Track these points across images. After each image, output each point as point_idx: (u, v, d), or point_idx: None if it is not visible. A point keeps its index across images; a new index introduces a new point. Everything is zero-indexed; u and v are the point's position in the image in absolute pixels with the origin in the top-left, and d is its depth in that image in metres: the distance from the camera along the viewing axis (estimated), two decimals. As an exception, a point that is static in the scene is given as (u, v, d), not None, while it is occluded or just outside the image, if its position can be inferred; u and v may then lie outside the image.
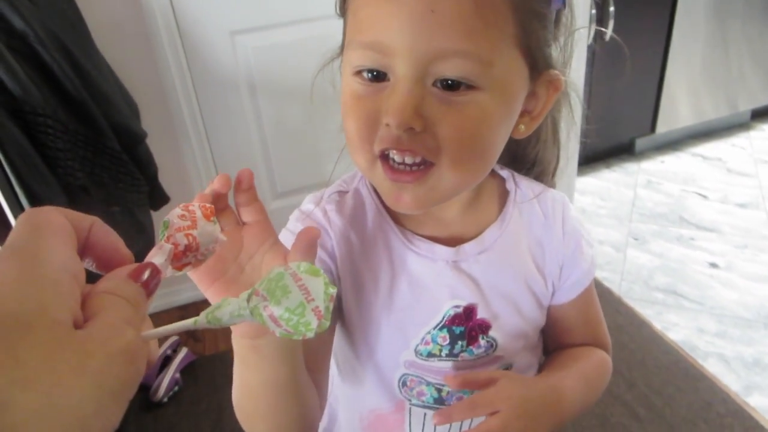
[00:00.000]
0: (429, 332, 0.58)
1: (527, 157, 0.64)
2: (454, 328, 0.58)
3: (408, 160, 0.47)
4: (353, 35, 0.48)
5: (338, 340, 0.62)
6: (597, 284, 1.74)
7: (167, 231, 0.34)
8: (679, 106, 2.44)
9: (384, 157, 0.48)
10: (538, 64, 0.49)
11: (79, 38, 1.17)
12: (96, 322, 0.25)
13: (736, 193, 2.23)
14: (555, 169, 0.65)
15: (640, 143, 2.56)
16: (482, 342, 0.59)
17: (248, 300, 0.31)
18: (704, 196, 2.23)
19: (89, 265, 0.30)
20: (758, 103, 2.61)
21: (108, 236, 0.31)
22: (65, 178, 1.05)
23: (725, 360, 1.52)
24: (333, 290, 0.32)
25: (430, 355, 0.59)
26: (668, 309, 1.71)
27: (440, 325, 0.58)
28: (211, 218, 0.37)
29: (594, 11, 2.00)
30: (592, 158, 2.50)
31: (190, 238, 0.34)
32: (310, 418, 0.54)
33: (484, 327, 0.59)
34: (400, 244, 0.58)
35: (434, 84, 0.45)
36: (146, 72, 1.47)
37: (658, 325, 1.62)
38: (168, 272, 0.34)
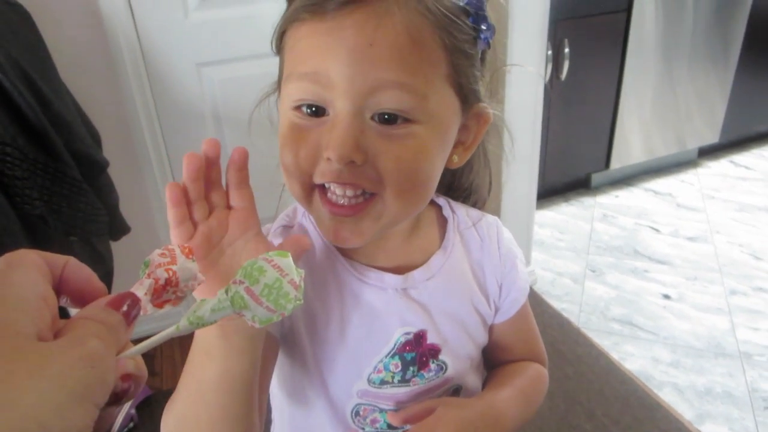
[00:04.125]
0: (381, 360, 0.59)
1: (462, 186, 0.67)
2: (405, 354, 0.59)
3: (349, 193, 0.48)
4: (292, 68, 0.49)
5: (290, 373, 0.61)
6: (557, 316, 1.78)
7: (148, 269, 0.36)
8: (631, 144, 2.56)
9: (322, 188, 0.49)
10: (469, 99, 0.52)
11: (40, 66, 1.16)
12: (62, 337, 0.27)
13: (686, 227, 2.33)
14: (488, 193, 0.68)
15: (596, 178, 2.66)
16: (433, 366, 0.60)
17: (227, 291, 0.33)
18: (656, 230, 2.32)
19: (65, 302, 0.32)
20: (704, 141, 2.76)
21: (81, 271, 0.32)
22: (22, 207, 1.02)
23: (679, 389, 1.57)
24: (302, 271, 0.35)
25: (382, 382, 0.59)
26: (625, 339, 1.76)
27: (392, 353, 0.59)
28: (190, 256, 0.38)
29: (550, 52, 2.10)
30: (550, 192, 2.58)
31: (170, 272, 0.35)
32: None
33: (434, 351, 0.60)
34: (349, 276, 0.58)
35: (372, 118, 0.46)
36: (110, 101, 1.46)
37: (615, 355, 1.66)
38: (149, 309, 0.35)
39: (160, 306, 0.36)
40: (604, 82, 2.38)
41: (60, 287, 0.31)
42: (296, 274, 0.35)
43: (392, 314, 0.58)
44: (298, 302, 0.34)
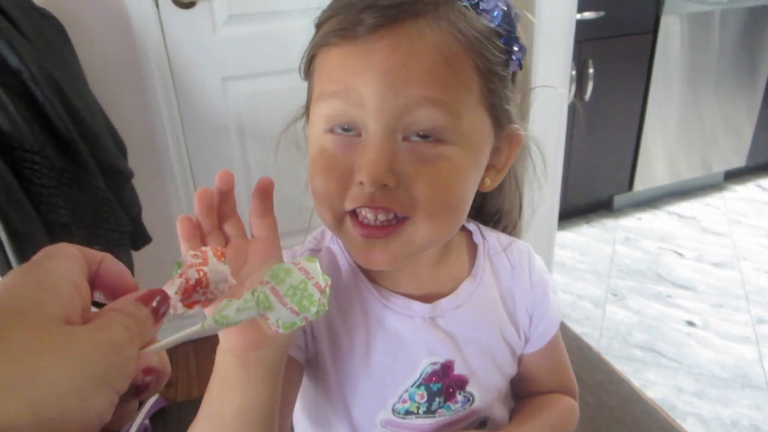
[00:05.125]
0: (406, 390, 0.57)
1: (492, 210, 0.65)
2: (431, 385, 0.57)
3: (381, 217, 0.47)
4: (322, 88, 0.48)
5: (314, 398, 0.61)
6: (576, 340, 1.75)
7: (180, 269, 0.36)
8: (655, 166, 2.52)
9: (353, 213, 0.48)
10: (501, 120, 0.51)
11: (72, 77, 1.19)
12: (90, 322, 0.28)
13: (711, 253, 2.28)
14: (519, 216, 0.67)
15: (618, 200, 2.62)
16: (459, 397, 0.59)
17: (253, 292, 0.34)
18: (680, 254, 2.28)
19: (100, 297, 0.33)
20: (731, 165, 2.71)
21: (116, 267, 0.33)
22: (48, 215, 1.04)
23: (703, 421, 1.52)
24: (328, 277, 0.35)
25: (407, 413, 0.58)
26: (647, 366, 1.71)
27: (418, 383, 0.57)
28: (222, 259, 0.38)
29: (574, 73, 2.09)
30: (572, 213, 2.55)
31: (201, 273, 0.36)
32: None
33: (461, 382, 0.58)
34: (375, 302, 0.57)
35: (405, 139, 0.46)
36: (136, 112, 1.48)
37: (636, 382, 1.62)
38: (179, 308, 0.35)
39: (190, 306, 0.36)
40: (629, 104, 2.36)
41: (95, 281, 0.32)
42: (322, 279, 0.35)
43: (419, 343, 0.57)
44: (322, 307, 0.34)
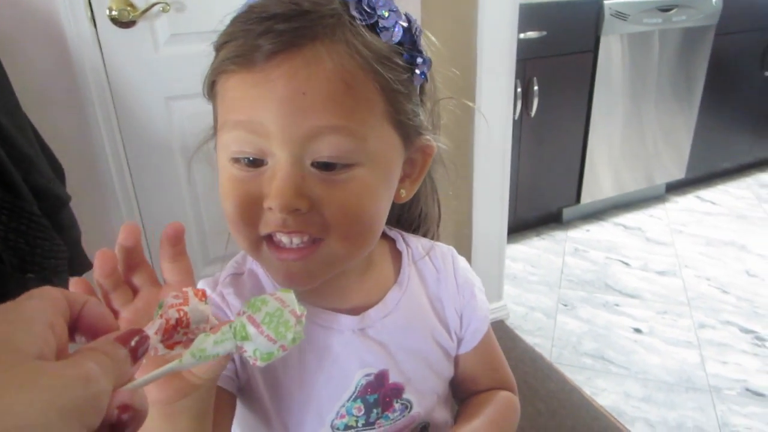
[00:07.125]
0: (343, 405, 0.57)
1: (412, 217, 0.67)
2: (367, 396, 0.57)
3: (296, 240, 0.47)
4: (226, 115, 0.47)
5: (252, 425, 0.60)
6: (529, 351, 1.77)
7: (161, 310, 0.36)
8: (601, 179, 2.61)
9: (269, 236, 0.48)
10: (410, 134, 0.52)
11: (2, 100, 1.14)
12: (64, 359, 0.27)
13: (656, 261, 2.36)
14: (438, 223, 0.68)
15: (567, 213, 2.70)
16: (397, 406, 0.59)
17: (230, 324, 0.34)
18: (627, 264, 2.35)
19: (82, 341, 0.33)
20: (672, 177, 2.83)
21: (98, 309, 0.33)
22: (-25, 242, 0.99)
23: (651, 424, 1.56)
24: (304, 308, 0.36)
25: (347, 428, 0.58)
26: (597, 374, 1.75)
27: (353, 396, 0.57)
28: (203, 299, 0.38)
29: (519, 90, 2.15)
30: (522, 226, 2.61)
31: (181, 312, 0.35)
32: None
33: (397, 390, 0.59)
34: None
35: (312, 164, 0.46)
36: (74, 133, 1.44)
37: (587, 390, 1.65)
38: (160, 349, 0.35)
39: (170, 347, 0.36)
40: (573, 119, 2.44)
41: (78, 324, 0.32)
42: (298, 308, 0.35)
43: (351, 356, 0.57)
44: (299, 335, 0.34)
